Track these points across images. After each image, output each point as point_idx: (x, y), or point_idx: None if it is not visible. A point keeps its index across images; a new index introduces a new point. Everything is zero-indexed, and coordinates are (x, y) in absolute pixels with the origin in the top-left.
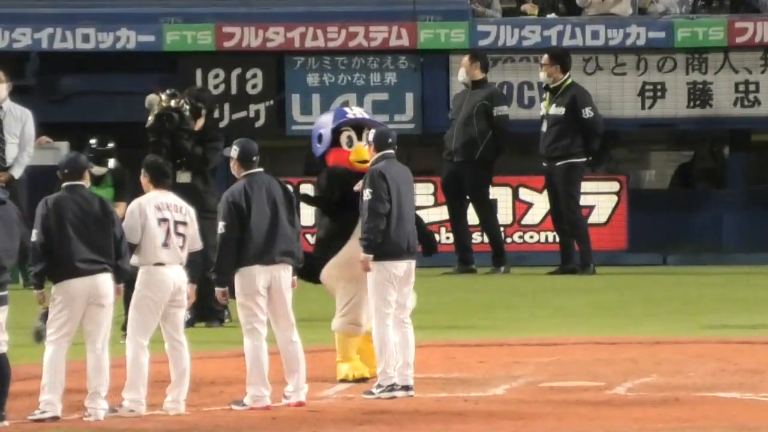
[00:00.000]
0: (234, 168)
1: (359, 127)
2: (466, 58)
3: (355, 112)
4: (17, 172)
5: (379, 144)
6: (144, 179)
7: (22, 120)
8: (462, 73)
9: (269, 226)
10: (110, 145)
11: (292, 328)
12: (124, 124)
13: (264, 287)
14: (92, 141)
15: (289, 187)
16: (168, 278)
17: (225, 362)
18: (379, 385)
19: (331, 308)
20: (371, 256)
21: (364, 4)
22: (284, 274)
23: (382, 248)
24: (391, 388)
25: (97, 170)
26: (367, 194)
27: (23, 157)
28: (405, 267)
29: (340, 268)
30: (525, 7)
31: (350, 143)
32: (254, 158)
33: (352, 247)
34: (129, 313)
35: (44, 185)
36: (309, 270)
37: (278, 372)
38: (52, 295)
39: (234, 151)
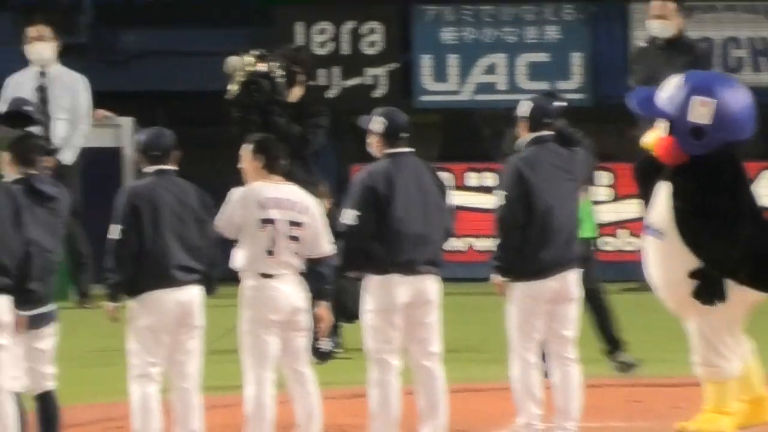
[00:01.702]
0: (374, 145)
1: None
2: (668, 4)
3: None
4: (68, 156)
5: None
6: (252, 163)
7: (73, 89)
8: (661, 25)
9: (416, 225)
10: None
11: (435, 359)
12: (205, 93)
13: (404, 303)
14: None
15: (442, 177)
16: (280, 294)
17: (341, 404)
18: None
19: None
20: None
21: None
22: (430, 286)
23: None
24: None
25: None
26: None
27: (76, 136)
28: (548, 286)
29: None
30: None
31: None
32: (402, 134)
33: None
34: (241, 341)
35: (104, 173)
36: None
37: (409, 417)
38: (131, 313)
39: (378, 124)
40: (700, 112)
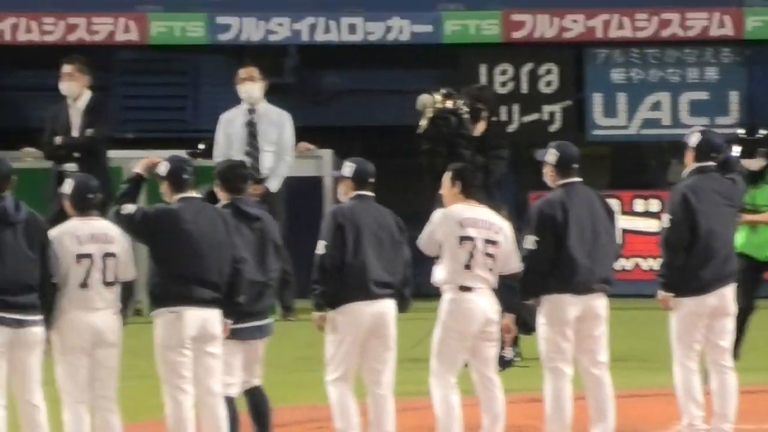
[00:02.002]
0: (548, 175)
1: None
2: None
3: None
4: (274, 185)
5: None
6: (451, 189)
7: (279, 124)
8: None
9: (589, 248)
10: (763, 132)
11: (603, 368)
12: (397, 128)
13: (574, 318)
14: (740, 131)
15: (610, 203)
16: (475, 306)
17: (520, 408)
18: None
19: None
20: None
21: None
22: (599, 303)
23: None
24: None
25: (751, 164)
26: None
27: (281, 167)
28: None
29: None
30: None
31: None
32: (573, 165)
33: None
34: (433, 347)
35: (306, 199)
36: None
37: (581, 420)
38: (331, 323)
39: (552, 156)
40: None
